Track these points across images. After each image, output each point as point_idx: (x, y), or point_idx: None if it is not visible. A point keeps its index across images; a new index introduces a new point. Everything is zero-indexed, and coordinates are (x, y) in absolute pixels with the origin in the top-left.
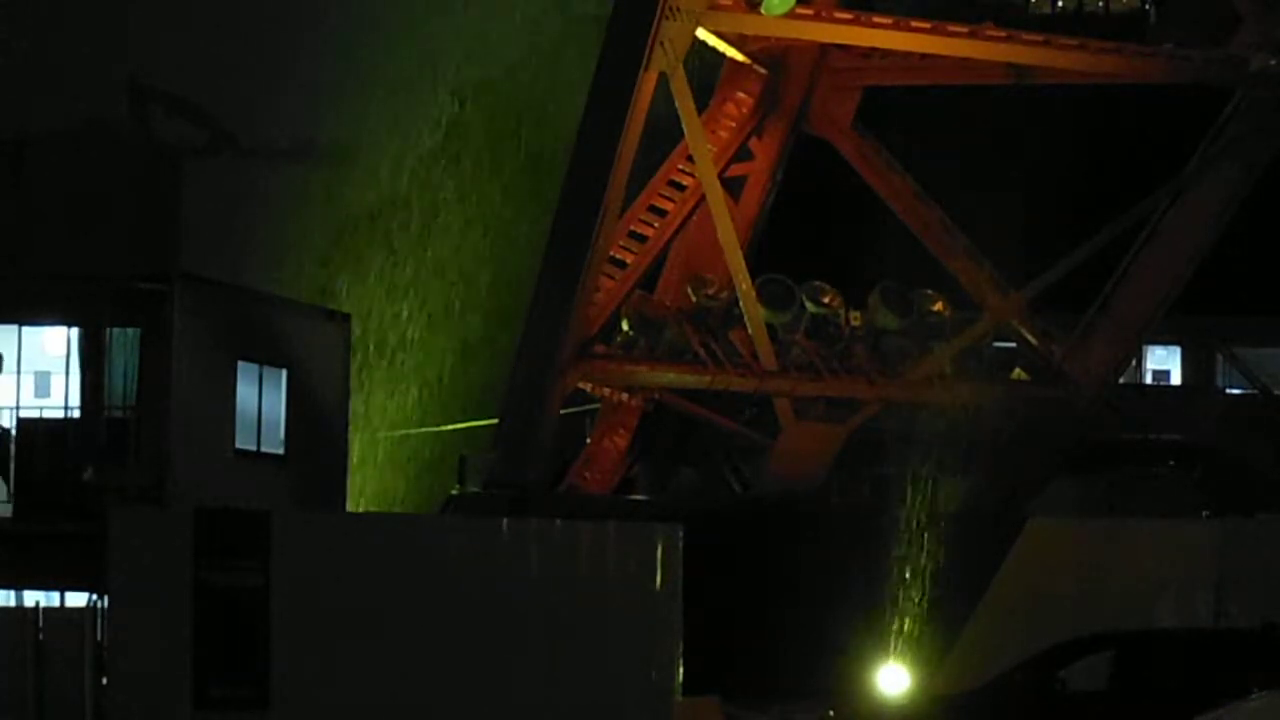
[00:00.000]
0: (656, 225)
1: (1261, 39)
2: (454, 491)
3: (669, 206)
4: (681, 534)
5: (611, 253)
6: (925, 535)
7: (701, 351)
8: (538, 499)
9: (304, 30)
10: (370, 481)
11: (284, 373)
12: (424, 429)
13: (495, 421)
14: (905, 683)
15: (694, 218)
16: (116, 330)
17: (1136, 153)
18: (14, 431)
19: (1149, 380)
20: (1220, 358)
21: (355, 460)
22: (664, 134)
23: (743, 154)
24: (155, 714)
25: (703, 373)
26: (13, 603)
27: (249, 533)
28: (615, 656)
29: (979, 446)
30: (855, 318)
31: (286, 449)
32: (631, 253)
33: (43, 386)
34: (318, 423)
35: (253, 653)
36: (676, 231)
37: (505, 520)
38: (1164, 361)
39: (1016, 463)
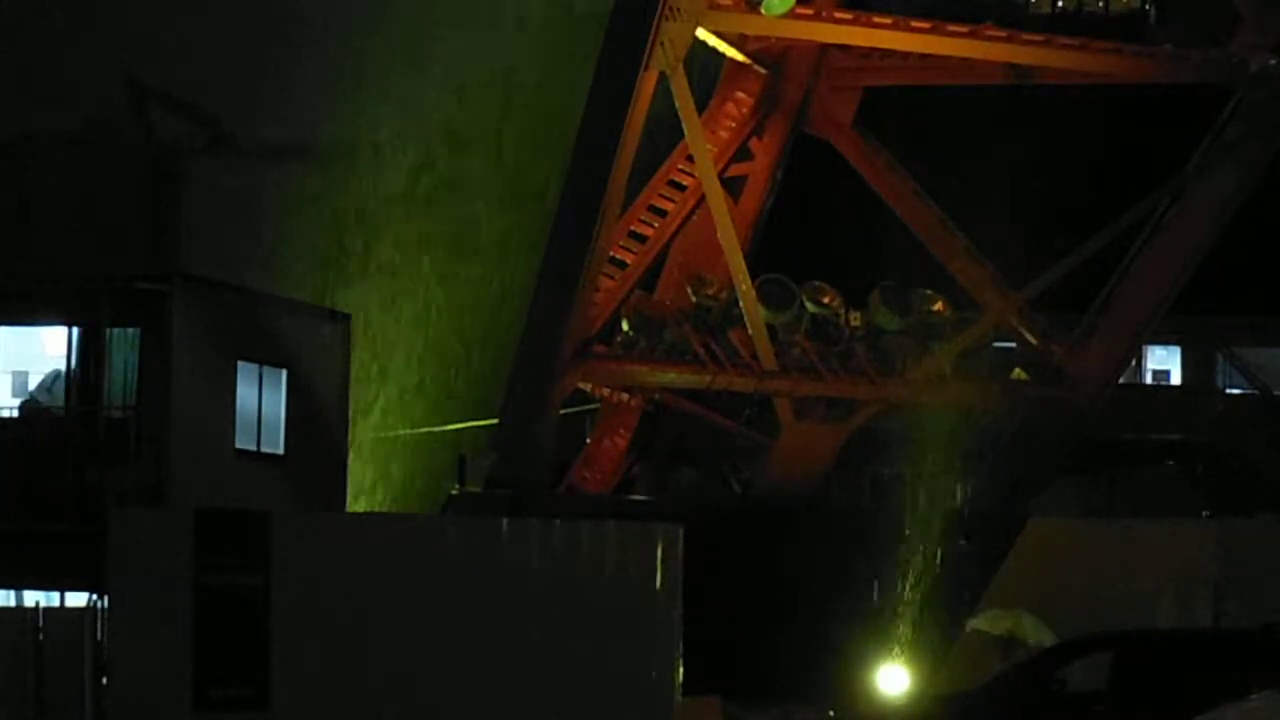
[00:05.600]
0: (656, 225)
1: (1261, 39)
2: (454, 491)
3: (669, 206)
4: (681, 534)
5: (611, 253)
6: (925, 535)
7: (701, 351)
8: (537, 499)
9: (304, 30)
10: (370, 482)
11: (284, 373)
12: (424, 429)
13: (495, 421)
14: (905, 683)
15: (694, 218)
16: (116, 330)
17: (1136, 153)
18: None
19: (1149, 380)
20: (1220, 358)
21: (354, 460)
22: (664, 134)
23: (743, 154)
24: (155, 714)
25: (703, 373)
26: (13, 603)
27: (249, 533)
28: (615, 656)
29: (979, 446)
30: (855, 318)
31: (286, 449)
32: (631, 253)
33: (20, 386)
34: (318, 423)
35: (253, 653)
36: (676, 231)
37: (505, 520)
38: (1164, 361)
39: (1016, 463)
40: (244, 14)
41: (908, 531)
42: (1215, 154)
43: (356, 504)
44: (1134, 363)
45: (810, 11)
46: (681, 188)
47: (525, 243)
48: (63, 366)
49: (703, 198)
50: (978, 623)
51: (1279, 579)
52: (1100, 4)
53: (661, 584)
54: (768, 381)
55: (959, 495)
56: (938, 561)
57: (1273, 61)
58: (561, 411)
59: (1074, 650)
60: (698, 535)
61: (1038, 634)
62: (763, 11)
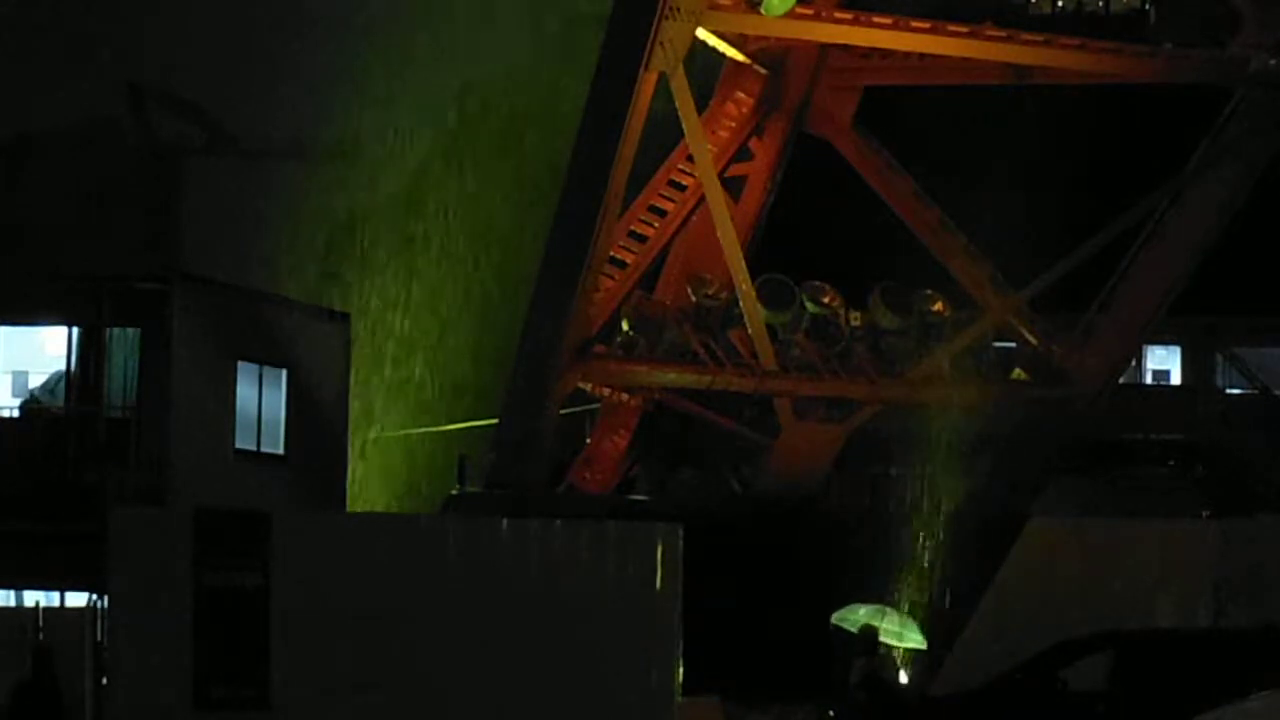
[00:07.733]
0: (656, 225)
1: (1261, 39)
2: (454, 491)
3: (669, 206)
4: (681, 534)
5: (611, 253)
6: (925, 535)
7: (701, 351)
8: (538, 499)
9: (304, 30)
10: (370, 481)
11: (284, 373)
12: (424, 429)
13: (495, 421)
14: (905, 682)
15: (694, 218)
16: (116, 330)
17: (1136, 153)
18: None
19: (1149, 380)
20: (1220, 358)
21: (355, 459)
22: (664, 134)
23: (743, 154)
24: (155, 714)
25: (703, 373)
26: (13, 603)
27: (249, 533)
28: (615, 656)
29: (979, 446)
30: (855, 318)
31: (286, 449)
32: (631, 253)
33: (19, 386)
34: (318, 423)
35: (253, 653)
36: (676, 231)
37: (505, 520)
38: (1164, 361)
39: (1016, 463)
40: (244, 14)
41: (907, 531)
42: (1215, 154)
43: (356, 504)
44: (1134, 363)
45: (810, 11)
46: (681, 188)
47: (525, 242)
48: (63, 366)
49: (703, 198)
50: (839, 619)
51: (1279, 579)
52: (1100, 4)
53: (661, 584)
54: (768, 381)
55: (958, 495)
56: (937, 561)
57: (1272, 61)
58: (561, 411)
59: (1074, 650)
60: (697, 535)
61: (901, 630)
62: (763, 11)
